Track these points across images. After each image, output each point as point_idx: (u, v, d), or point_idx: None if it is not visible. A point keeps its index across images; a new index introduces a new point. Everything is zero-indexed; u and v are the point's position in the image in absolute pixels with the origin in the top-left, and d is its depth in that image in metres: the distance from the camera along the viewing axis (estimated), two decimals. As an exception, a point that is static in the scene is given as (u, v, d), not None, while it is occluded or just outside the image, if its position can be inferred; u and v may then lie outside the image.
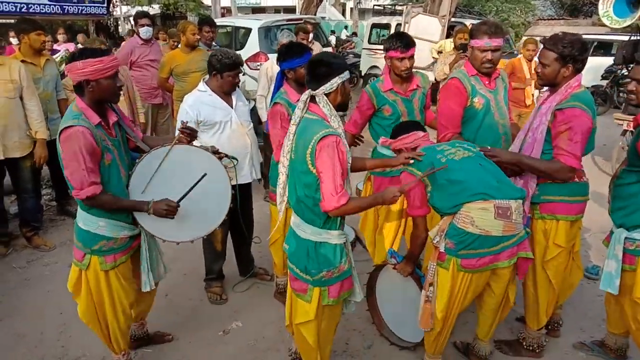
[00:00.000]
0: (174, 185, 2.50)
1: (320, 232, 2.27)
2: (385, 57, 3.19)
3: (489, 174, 2.41)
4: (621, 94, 10.77)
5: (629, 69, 8.22)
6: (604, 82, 10.63)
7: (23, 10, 4.52)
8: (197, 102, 3.23)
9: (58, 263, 4.15)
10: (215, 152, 2.70)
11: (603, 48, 12.00)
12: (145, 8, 18.97)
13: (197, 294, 3.67)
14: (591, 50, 11.23)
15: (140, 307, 2.94)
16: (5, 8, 4.36)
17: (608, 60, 10.25)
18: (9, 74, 3.88)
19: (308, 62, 2.26)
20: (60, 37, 9.10)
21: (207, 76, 3.30)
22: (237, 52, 6.32)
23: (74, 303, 2.71)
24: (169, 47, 6.51)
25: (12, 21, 4.70)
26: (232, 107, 3.31)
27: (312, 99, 2.25)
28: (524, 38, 9.02)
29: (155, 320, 3.30)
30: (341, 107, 2.32)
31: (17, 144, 4.01)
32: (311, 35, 7.24)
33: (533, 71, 6.54)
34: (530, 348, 2.98)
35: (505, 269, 2.46)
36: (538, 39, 8.31)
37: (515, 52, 9.80)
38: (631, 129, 5.58)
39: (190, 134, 2.66)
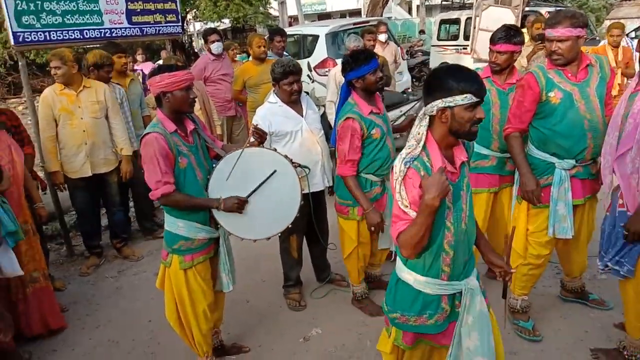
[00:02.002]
0: (246, 185, 2.65)
1: (401, 267, 2.01)
2: None
3: None
4: None
5: None
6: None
7: (107, 35, 4.83)
8: (268, 114, 3.29)
9: (146, 272, 4.39)
10: (290, 162, 2.75)
11: (701, 25, 10.94)
12: (216, 23, 19.75)
13: (277, 300, 3.72)
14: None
15: (215, 319, 3.02)
16: (92, 34, 4.68)
17: None
18: (96, 96, 4.18)
19: (432, 69, 1.93)
20: (139, 57, 9.70)
21: (278, 87, 3.36)
22: (306, 59, 6.41)
23: (162, 311, 2.85)
24: (230, 58, 6.70)
25: (98, 46, 5.03)
26: (302, 115, 3.34)
27: None
28: (607, 22, 8.41)
29: (237, 325, 3.39)
30: (458, 135, 1.82)
31: (102, 161, 4.29)
32: (385, 35, 7.20)
33: (619, 59, 6.06)
34: (632, 359, 2.74)
35: None
36: (624, 22, 7.71)
37: (598, 38, 9.17)
38: None
39: (260, 136, 2.81)
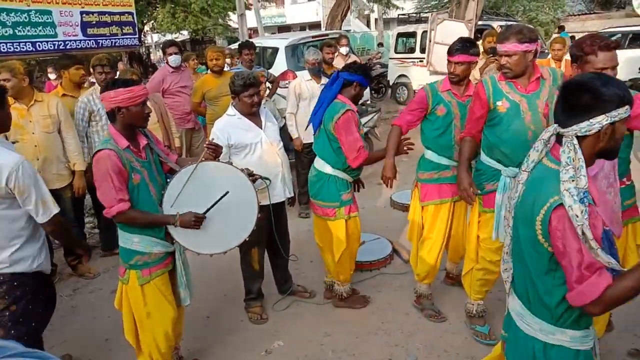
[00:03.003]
0: (202, 200, 2.62)
1: (553, 330, 1.64)
2: None
3: None
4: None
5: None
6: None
7: (61, 47, 4.73)
8: (227, 126, 3.29)
9: (103, 289, 4.27)
10: (250, 174, 2.76)
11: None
12: (174, 35, 19.55)
13: (238, 314, 3.69)
14: (627, 42, 10.88)
15: (174, 335, 2.96)
16: (45, 46, 4.57)
17: (645, 52, 9.91)
18: (47, 110, 4.05)
19: (564, 85, 1.60)
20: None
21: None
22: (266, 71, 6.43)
23: (119, 329, 2.79)
24: (191, 68, 6.66)
25: (50, 58, 4.91)
26: (261, 128, 3.36)
27: (559, 138, 1.61)
28: (554, 36, 8.82)
29: (197, 341, 3.34)
30: (605, 155, 1.61)
31: (55, 176, 4.16)
32: (346, 48, 7.31)
33: (563, 71, 6.36)
34: None
35: None
36: (569, 35, 8.05)
37: (547, 51, 9.58)
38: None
39: (215, 150, 2.78)
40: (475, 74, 6.01)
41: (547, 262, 1.56)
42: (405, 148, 3.25)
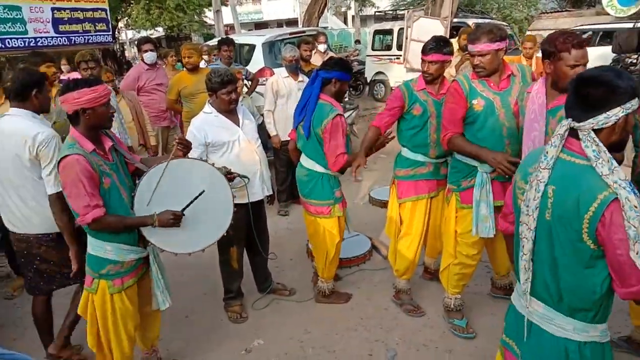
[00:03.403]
0: (177, 199, 2.57)
1: (587, 328, 1.64)
2: None
3: None
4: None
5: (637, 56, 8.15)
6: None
7: (32, 44, 4.61)
8: (204, 124, 3.26)
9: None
10: (228, 172, 2.73)
11: (609, 37, 11.88)
12: (149, 32, 19.25)
13: (218, 314, 3.67)
14: (597, 40, 11.13)
15: (148, 334, 2.95)
16: (15, 43, 4.46)
17: (615, 50, 10.14)
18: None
19: (576, 80, 1.59)
20: (63, 67, 9.27)
21: (214, 97, 3.34)
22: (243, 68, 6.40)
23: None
24: (170, 65, 6.59)
25: (20, 55, 4.79)
26: (239, 125, 3.34)
27: (573, 132, 1.60)
28: (539, 35, 8.97)
29: (176, 341, 3.32)
30: (614, 147, 1.58)
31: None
32: (324, 45, 7.32)
33: (534, 69, 6.48)
34: None
35: None
36: (541, 33, 8.21)
37: (520, 49, 9.75)
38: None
39: (186, 147, 2.74)
40: (451, 71, 6.10)
41: (587, 259, 1.54)
42: (383, 141, 3.25)
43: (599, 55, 9.43)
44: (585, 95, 1.53)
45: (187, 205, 2.57)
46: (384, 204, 5.35)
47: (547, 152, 1.60)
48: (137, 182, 2.61)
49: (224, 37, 7.41)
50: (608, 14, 12.67)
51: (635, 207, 1.41)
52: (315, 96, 3.26)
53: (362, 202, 5.70)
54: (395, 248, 3.55)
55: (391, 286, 3.71)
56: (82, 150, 2.37)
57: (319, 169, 3.36)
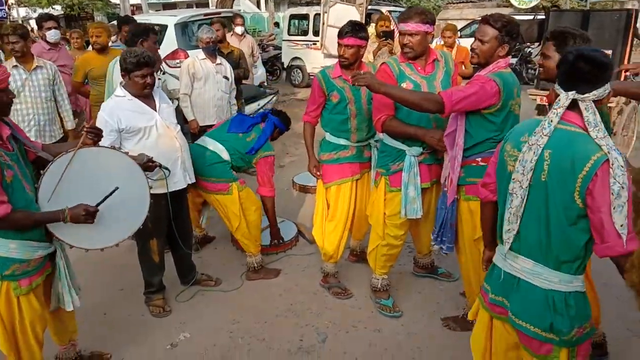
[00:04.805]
0: (88, 192, 2.36)
1: (572, 279, 1.83)
2: None
3: None
4: (530, 70, 11.47)
5: (538, 46, 8.75)
6: (514, 60, 11.24)
7: None
8: (116, 109, 3.03)
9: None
10: (150, 161, 2.55)
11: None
12: (46, 9, 17.75)
13: (138, 309, 3.47)
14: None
15: (66, 327, 2.73)
16: None
17: (516, 39, 10.85)
18: None
19: (578, 56, 1.75)
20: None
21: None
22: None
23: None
24: (79, 46, 6.09)
25: None
26: (155, 110, 3.14)
27: (572, 104, 1.78)
28: (439, 22, 9.30)
29: (95, 340, 3.09)
30: None
31: None
32: (241, 28, 7.13)
33: (454, 58, 6.74)
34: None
35: None
36: (448, 22, 8.56)
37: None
38: (545, 103, 5.91)
39: (97, 134, 2.50)
40: (369, 57, 6.18)
41: (575, 217, 1.74)
42: None
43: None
44: (586, 71, 1.73)
45: (102, 201, 2.36)
46: (307, 189, 5.35)
47: (551, 121, 1.77)
48: (42, 172, 2.35)
49: (124, 15, 6.99)
50: (507, 7, 13.50)
51: (622, 166, 1.64)
52: (265, 136, 3.78)
53: (285, 188, 5.65)
54: (322, 232, 3.55)
55: (319, 271, 3.72)
56: None
57: (225, 156, 3.61)
